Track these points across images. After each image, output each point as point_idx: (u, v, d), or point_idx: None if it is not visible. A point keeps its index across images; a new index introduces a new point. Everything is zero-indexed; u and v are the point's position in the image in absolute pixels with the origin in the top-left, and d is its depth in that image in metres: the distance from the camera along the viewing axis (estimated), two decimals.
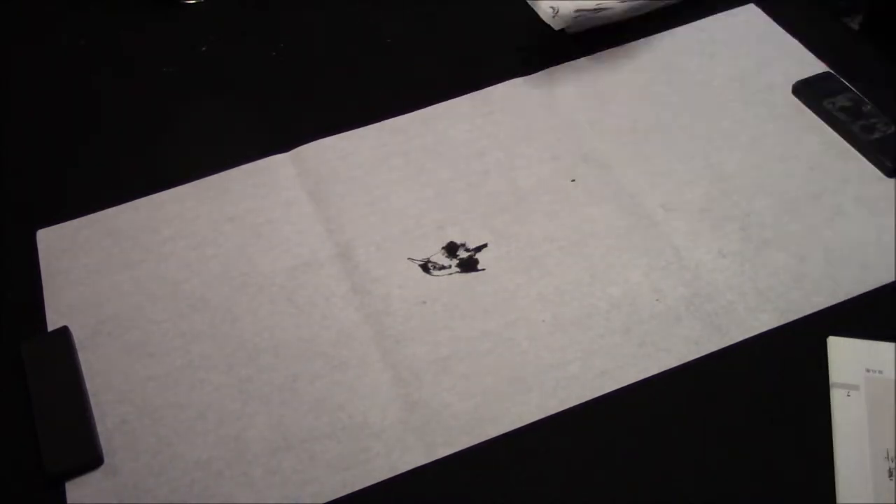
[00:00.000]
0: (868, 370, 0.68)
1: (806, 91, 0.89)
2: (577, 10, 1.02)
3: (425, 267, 0.79)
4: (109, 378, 0.74)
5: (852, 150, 0.84)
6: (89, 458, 0.68)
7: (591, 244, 0.79)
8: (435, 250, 0.81)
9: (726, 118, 0.88)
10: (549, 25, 1.01)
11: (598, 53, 0.96)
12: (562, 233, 0.81)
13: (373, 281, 0.78)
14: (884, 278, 0.74)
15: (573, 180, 0.85)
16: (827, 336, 0.70)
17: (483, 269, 0.79)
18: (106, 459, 0.69)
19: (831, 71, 0.90)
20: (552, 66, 0.94)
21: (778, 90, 0.90)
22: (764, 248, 0.78)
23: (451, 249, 0.80)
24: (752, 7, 0.98)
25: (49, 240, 0.84)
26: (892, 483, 0.62)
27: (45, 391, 0.72)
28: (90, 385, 0.73)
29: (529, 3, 1.04)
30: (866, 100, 0.86)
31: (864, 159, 0.83)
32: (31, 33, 1.08)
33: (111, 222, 0.85)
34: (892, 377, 0.67)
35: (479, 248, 0.80)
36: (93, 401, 0.72)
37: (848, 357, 0.69)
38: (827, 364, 0.69)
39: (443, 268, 0.79)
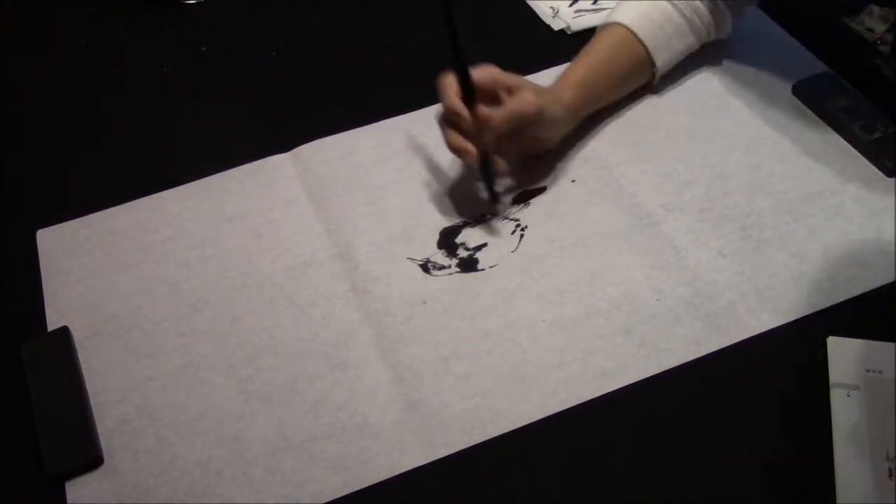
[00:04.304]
0: (868, 370, 0.68)
1: (806, 91, 0.89)
2: (577, 10, 1.02)
3: (425, 267, 0.79)
4: (109, 378, 0.74)
5: (852, 150, 0.84)
6: (89, 458, 0.68)
7: (591, 244, 0.79)
8: (435, 250, 0.81)
9: (726, 118, 0.88)
10: (549, 25, 1.01)
11: None
12: (562, 233, 0.81)
13: (373, 281, 0.78)
14: (884, 278, 0.74)
15: (573, 180, 0.85)
16: (827, 336, 0.70)
17: (483, 269, 0.79)
18: (106, 459, 0.69)
19: (831, 71, 0.90)
20: (552, 66, 0.94)
21: (778, 90, 0.90)
22: (764, 248, 0.78)
23: (451, 249, 0.80)
24: (751, 7, 0.98)
25: (49, 240, 0.84)
26: (892, 483, 0.62)
27: (45, 391, 0.72)
28: (90, 385, 0.73)
29: (529, 3, 1.04)
30: (866, 100, 0.86)
31: (864, 159, 0.83)
32: (31, 33, 1.08)
33: (111, 222, 0.85)
34: (892, 377, 0.67)
35: (478, 248, 0.80)
36: (93, 401, 0.72)
37: (848, 357, 0.69)
38: (827, 364, 0.69)
39: (443, 268, 0.79)
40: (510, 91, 0.79)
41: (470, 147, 0.77)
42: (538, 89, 0.81)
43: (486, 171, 0.81)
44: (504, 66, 0.87)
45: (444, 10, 0.75)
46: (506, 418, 0.69)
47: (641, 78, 0.90)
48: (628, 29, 0.87)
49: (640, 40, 0.87)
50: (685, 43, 0.90)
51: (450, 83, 0.77)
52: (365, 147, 0.90)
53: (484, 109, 0.77)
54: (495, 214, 0.83)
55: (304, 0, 1.08)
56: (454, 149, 0.78)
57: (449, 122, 0.78)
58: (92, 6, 1.11)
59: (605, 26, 0.89)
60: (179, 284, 0.80)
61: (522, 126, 0.79)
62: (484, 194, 0.83)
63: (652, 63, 0.88)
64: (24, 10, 1.11)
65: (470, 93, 0.77)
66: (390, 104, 0.93)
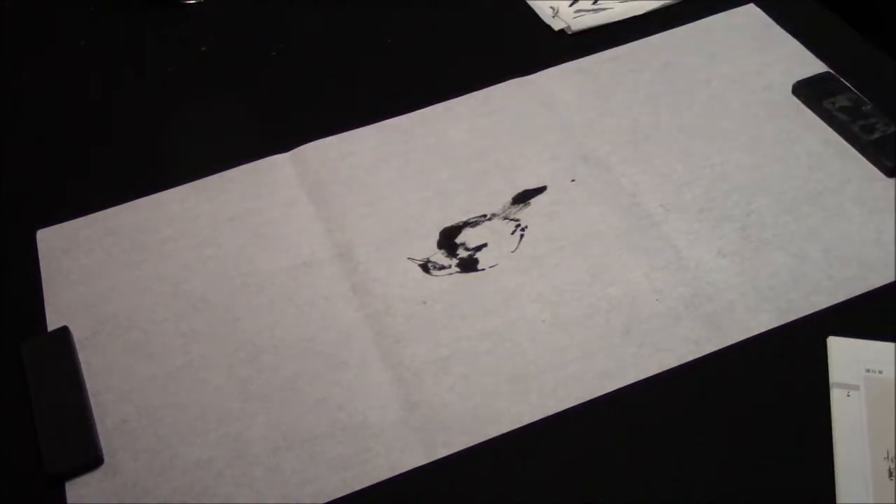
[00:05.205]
0: (868, 370, 0.68)
1: (806, 91, 0.89)
2: (577, 10, 1.02)
3: (425, 267, 0.79)
4: (109, 378, 0.74)
5: (852, 150, 0.84)
6: (89, 458, 0.68)
7: (591, 244, 0.79)
8: (435, 250, 0.81)
9: (726, 118, 0.88)
10: (549, 25, 1.01)
11: (598, 53, 0.96)
12: (562, 233, 0.81)
13: (373, 281, 0.78)
14: (884, 278, 0.74)
15: (573, 180, 0.85)
16: (827, 336, 0.70)
17: (483, 269, 0.79)
18: (106, 459, 0.69)
19: (831, 71, 0.90)
20: (552, 66, 0.94)
21: (778, 90, 0.90)
22: (764, 248, 0.78)
23: (451, 249, 0.80)
24: (752, 7, 0.98)
25: (49, 240, 0.84)
26: (892, 483, 0.62)
27: (45, 391, 0.72)
28: (90, 385, 0.73)
29: (529, 3, 1.04)
30: (866, 100, 0.86)
31: (864, 159, 0.83)
32: (31, 33, 1.08)
33: (111, 222, 0.85)
34: (892, 377, 0.67)
35: (479, 248, 0.80)
36: (93, 401, 0.72)
37: (848, 357, 0.69)
38: (827, 364, 0.69)
39: (443, 268, 0.79)
40: None
41: None
42: None
43: None
44: (504, 66, 0.87)
45: None
46: (506, 418, 0.69)
47: None
48: None
49: None
50: None
51: None
52: (365, 147, 0.90)
53: None
54: (495, 214, 0.83)
55: (304, 0, 1.08)
56: None
57: None
58: (92, 6, 1.11)
59: None
60: (179, 284, 0.80)
61: None
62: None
63: None
64: (24, 10, 1.11)
65: None
66: (390, 104, 0.93)
